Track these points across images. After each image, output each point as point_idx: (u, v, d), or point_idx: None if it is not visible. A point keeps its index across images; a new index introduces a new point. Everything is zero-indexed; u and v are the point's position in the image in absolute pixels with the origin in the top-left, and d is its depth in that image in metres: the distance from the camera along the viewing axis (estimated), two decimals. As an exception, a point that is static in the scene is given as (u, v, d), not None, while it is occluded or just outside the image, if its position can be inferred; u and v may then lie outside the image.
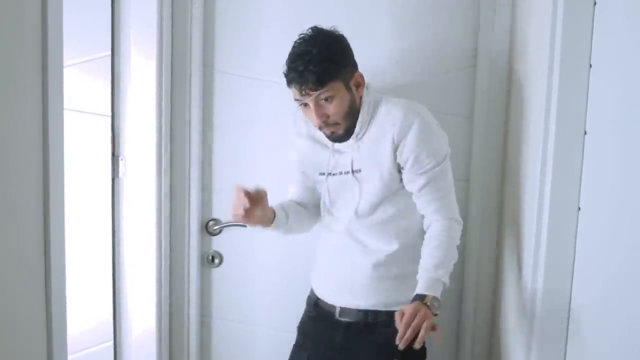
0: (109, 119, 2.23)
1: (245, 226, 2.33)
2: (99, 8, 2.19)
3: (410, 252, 1.89)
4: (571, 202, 1.72)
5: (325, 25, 1.82)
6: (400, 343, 1.62)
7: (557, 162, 1.72)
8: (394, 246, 1.89)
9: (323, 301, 2.01)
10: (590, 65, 1.67)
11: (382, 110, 1.85)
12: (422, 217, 1.90)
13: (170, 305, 2.37)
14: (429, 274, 1.76)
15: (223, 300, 2.43)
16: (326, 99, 1.77)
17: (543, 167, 1.75)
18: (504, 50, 2.17)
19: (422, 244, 1.87)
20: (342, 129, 1.84)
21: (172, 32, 2.24)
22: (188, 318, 2.39)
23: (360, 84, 1.84)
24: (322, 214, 2.03)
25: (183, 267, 2.36)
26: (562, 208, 1.73)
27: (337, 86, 1.77)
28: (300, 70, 1.73)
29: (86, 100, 2.23)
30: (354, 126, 1.85)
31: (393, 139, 1.80)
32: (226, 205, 2.35)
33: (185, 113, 2.28)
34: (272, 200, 1.90)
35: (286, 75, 1.78)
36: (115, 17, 2.19)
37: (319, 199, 2.03)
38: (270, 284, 2.39)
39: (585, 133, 1.69)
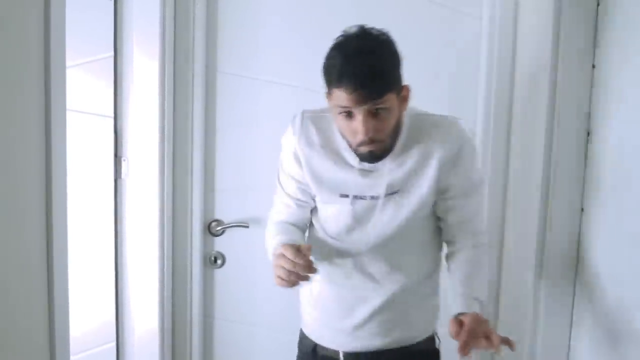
0: (112, 120, 2.23)
1: (247, 227, 2.34)
2: (101, 9, 2.19)
3: (426, 283, 1.75)
4: (574, 204, 1.72)
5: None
6: (463, 352, 1.41)
7: (560, 163, 1.72)
8: (411, 278, 1.70)
9: (323, 347, 1.80)
10: (594, 66, 1.67)
11: (426, 127, 1.62)
12: (440, 244, 1.76)
13: (173, 306, 2.37)
14: (468, 291, 1.59)
15: (225, 301, 2.43)
16: (377, 111, 1.47)
17: (546, 168, 1.75)
18: (507, 51, 2.17)
19: (437, 273, 1.76)
20: (382, 148, 1.57)
21: (174, 33, 2.24)
22: (190, 319, 2.39)
23: (406, 99, 1.57)
24: (317, 243, 1.75)
25: (185, 268, 2.36)
26: (565, 209, 1.73)
27: (392, 98, 1.48)
28: (363, 72, 1.43)
29: (89, 101, 2.23)
30: (392, 145, 1.60)
31: (440, 160, 1.59)
32: (229, 205, 2.37)
33: (187, 114, 2.28)
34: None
35: (336, 75, 1.45)
36: (118, 18, 2.19)
37: (308, 219, 1.79)
38: (272, 285, 2.37)
39: (589, 134, 1.69)
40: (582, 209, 1.71)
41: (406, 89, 1.55)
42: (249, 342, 2.44)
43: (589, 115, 1.68)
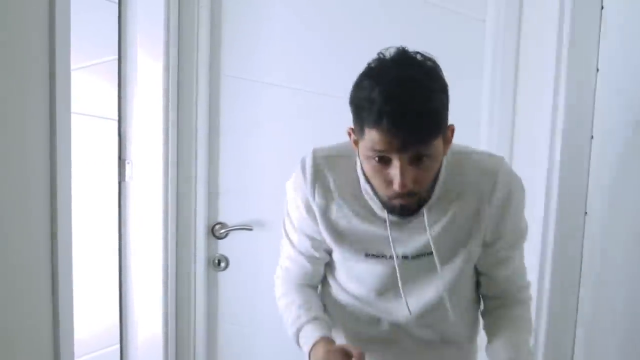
0: (116, 123, 2.23)
1: (251, 229, 2.34)
2: (106, 11, 2.19)
3: (472, 342, 1.53)
4: (578, 207, 1.72)
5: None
6: None
7: (563, 167, 1.72)
8: (462, 342, 1.50)
9: None
10: (598, 70, 1.67)
11: (467, 170, 1.34)
12: (479, 298, 1.51)
13: (177, 309, 2.37)
14: (514, 357, 1.34)
15: (229, 304, 2.43)
16: (419, 159, 1.18)
17: (550, 171, 1.75)
18: (511, 54, 2.17)
19: (477, 332, 1.53)
20: (417, 200, 1.28)
21: (179, 35, 2.24)
22: (194, 321, 2.39)
23: (450, 140, 1.26)
24: (337, 306, 1.51)
25: (189, 270, 2.36)
26: (569, 213, 1.73)
27: (439, 142, 1.20)
28: (410, 112, 1.12)
29: (93, 103, 2.23)
30: (429, 193, 1.30)
31: (489, 210, 1.33)
32: (233, 208, 2.37)
33: (191, 116, 2.28)
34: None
35: (374, 113, 1.13)
36: (122, 21, 2.19)
37: (322, 273, 1.54)
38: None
39: (592, 137, 1.69)
40: (586, 213, 1.71)
41: (451, 129, 1.25)
42: (253, 345, 2.44)
43: (592, 119, 1.68)
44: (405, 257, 1.35)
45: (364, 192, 1.33)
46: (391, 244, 1.33)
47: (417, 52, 1.22)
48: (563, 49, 1.70)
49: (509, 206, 1.34)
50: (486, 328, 1.46)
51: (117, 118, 2.23)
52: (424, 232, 1.31)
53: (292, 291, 1.50)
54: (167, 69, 2.19)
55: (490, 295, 1.47)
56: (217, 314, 2.44)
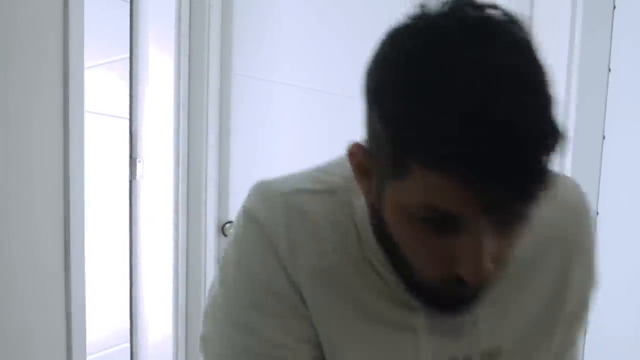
0: (127, 121, 2.24)
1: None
2: (119, 10, 2.20)
3: None
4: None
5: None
6: None
7: (575, 167, 1.72)
8: None
9: None
10: (610, 70, 1.66)
11: (540, 214, 0.64)
12: None
13: (187, 307, 2.38)
14: None
15: (239, 302, 2.44)
16: (509, 223, 0.60)
17: (561, 171, 1.74)
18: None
19: None
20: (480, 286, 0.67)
21: (190, 34, 2.25)
22: (204, 320, 2.39)
23: None
24: None
25: (200, 269, 2.36)
26: (581, 212, 1.73)
27: None
28: (523, 141, 0.54)
29: (104, 101, 2.24)
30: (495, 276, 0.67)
31: (578, 267, 0.82)
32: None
33: (202, 115, 2.29)
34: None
35: (444, 142, 0.54)
36: (134, 20, 2.20)
37: None
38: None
39: (604, 138, 1.68)
40: (597, 212, 1.70)
41: None
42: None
43: (604, 119, 1.68)
44: None
45: (371, 255, 0.73)
46: (410, 346, 0.75)
47: (491, 13, 0.60)
48: (575, 49, 1.70)
49: (592, 256, 0.85)
50: None
51: (128, 116, 2.24)
52: (482, 327, 0.75)
53: None
54: (178, 68, 2.20)
55: None
56: (227, 313, 2.44)
